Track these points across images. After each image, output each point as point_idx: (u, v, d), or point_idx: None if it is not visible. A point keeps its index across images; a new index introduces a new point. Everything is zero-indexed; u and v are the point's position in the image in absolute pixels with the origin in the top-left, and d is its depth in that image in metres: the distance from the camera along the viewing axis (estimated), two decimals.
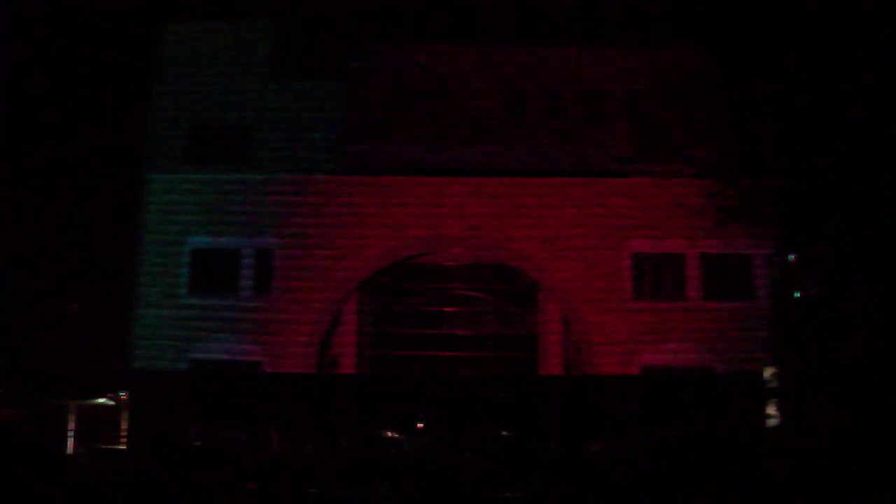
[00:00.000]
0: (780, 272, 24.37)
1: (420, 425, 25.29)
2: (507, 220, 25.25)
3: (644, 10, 25.39)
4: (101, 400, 25.61)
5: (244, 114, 25.89)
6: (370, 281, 25.53)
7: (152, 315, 24.90)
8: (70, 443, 25.06)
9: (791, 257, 24.36)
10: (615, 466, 22.09)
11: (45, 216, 26.11)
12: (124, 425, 25.01)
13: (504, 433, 25.11)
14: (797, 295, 24.10)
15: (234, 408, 24.44)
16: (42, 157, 26.35)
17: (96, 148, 25.85)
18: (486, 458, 23.27)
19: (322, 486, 20.66)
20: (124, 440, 24.61)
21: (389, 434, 25.18)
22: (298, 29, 26.13)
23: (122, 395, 25.32)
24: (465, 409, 25.08)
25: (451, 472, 21.45)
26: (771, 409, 23.76)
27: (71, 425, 25.30)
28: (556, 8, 25.55)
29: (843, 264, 22.02)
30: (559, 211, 25.29)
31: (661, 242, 25.17)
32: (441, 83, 25.80)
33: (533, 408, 25.06)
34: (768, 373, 23.76)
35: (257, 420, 24.29)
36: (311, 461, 22.40)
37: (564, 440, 24.17)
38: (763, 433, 23.41)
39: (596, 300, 24.91)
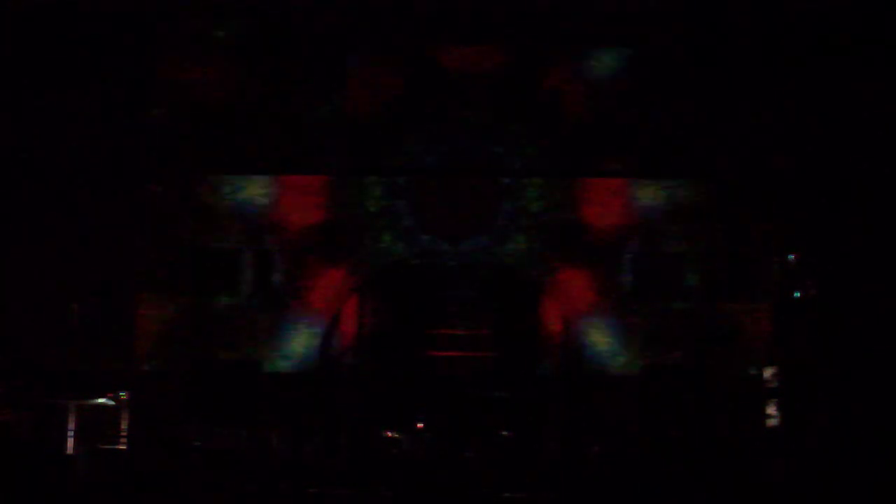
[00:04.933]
0: (780, 272, 24.39)
1: (420, 425, 25.28)
2: (508, 219, 25.29)
3: (644, 10, 25.40)
4: (101, 400, 25.59)
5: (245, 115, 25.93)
6: (370, 281, 25.54)
7: (152, 315, 24.97)
8: (70, 443, 25.04)
9: (791, 257, 24.39)
10: (615, 466, 22.09)
11: (46, 216, 26.07)
12: (124, 425, 25.00)
13: (504, 433, 25.10)
14: (797, 295, 24.13)
15: (235, 408, 24.47)
16: (42, 157, 26.31)
17: (97, 147, 25.78)
18: (486, 458, 23.25)
19: (322, 486, 20.66)
20: (124, 440, 24.60)
21: (389, 434, 25.17)
22: (298, 29, 26.10)
23: (122, 395, 25.30)
24: (465, 409, 25.08)
25: (451, 472, 21.45)
26: (771, 409, 23.77)
27: (71, 425, 25.28)
28: (552, 7, 25.55)
29: (843, 264, 22.05)
30: (560, 211, 25.32)
31: (662, 242, 25.18)
32: (441, 83, 25.82)
33: (533, 408, 25.06)
34: (768, 373, 23.78)
35: (257, 420, 24.30)
36: (311, 461, 22.40)
37: (564, 440, 24.17)
38: (763, 433, 23.42)
39: (596, 300, 24.94)
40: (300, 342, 24.93)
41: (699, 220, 24.91)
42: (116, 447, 24.27)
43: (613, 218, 25.27)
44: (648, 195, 25.27)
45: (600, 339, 24.80)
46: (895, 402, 20.11)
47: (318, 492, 20.51)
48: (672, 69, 25.50)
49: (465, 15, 25.53)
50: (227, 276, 25.33)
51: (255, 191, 25.59)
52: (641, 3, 24.93)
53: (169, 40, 25.93)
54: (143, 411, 24.49)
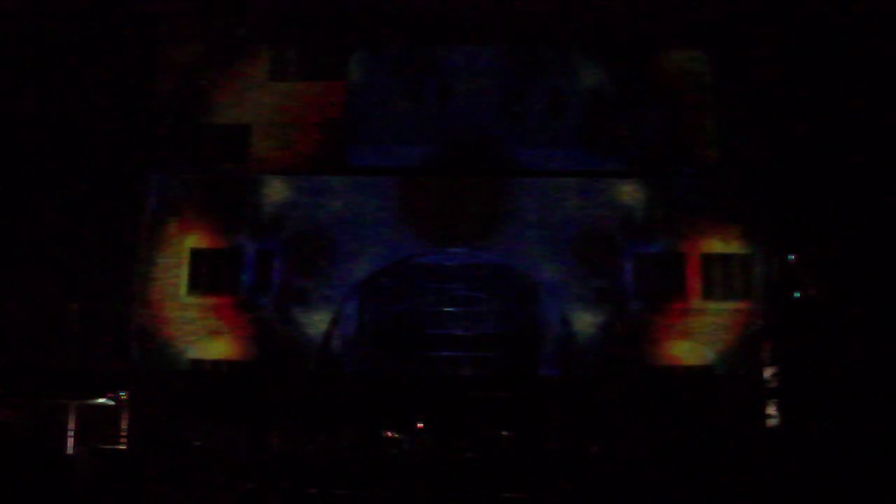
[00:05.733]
0: (780, 272, 24.39)
1: (420, 425, 25.28)
2: (508, 219, 25.29)
3: (645, 10, 25.43)
4: (101, 400, 25.59)
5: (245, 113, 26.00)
6: (370, 281, 25.55)
7: (152, 315, 25.01)
8: (70, 443, 25.04)
9: (791, 257, 24.40)
10: (615, 466, 22.10)
11: (46, 215, 26.08)
12: (124, 425, 25.00)
13: (504, 433, 25.10)
14: (797, 295, 24.14)
15: (235, 408, 24.48)
16: (42, 156, 26.32)
17: (97, 147, 25.81)
18: (486, 458, 23.26)
19: (322, 486, 20.66)
20: (124, 440, 24.60)
21: (389, 434, 25.17)
22: (299, 29, 26.12)
23: (123, 395, 25.31)
24: (465, 409, 25.08)
25: (451, 472, 21.45)
26: (771, 409, 23.77)
27: (71, 425, 25.28)
28: (556, 7, 25.57)
29: (843, 264, 22.06)
30: (559, 211, 25.33)
31: (661, 242, 25.18)
32: (440, 82, 25.83)
33: (533, 408, 25.06)
34: (768, 373, 23.79)
35: (257, 420, 24.31)
36: (311, 461, 22.40)
37: (564, 440, 24.17)
38: (763, 433, 23.42)
39: (596, 300, 24.93)
40: (300, 341, 24.93)
41: (699, 219, 24.96)
42: (116, 447, 24.26)
43: (613, 217, 25.28)
44: (649, 195, 25.30)
45: (600, 338, 24.80)
46: (895, 401, 20.12)
47: (318, 492, 20.50)
48: (672, 69, 25.56)
49: (475, 15, 25.56)
50: (227, 275, 25.34)
51: (255, 190, 25.62)
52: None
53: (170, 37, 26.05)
54: (143, 411, 24.50)
